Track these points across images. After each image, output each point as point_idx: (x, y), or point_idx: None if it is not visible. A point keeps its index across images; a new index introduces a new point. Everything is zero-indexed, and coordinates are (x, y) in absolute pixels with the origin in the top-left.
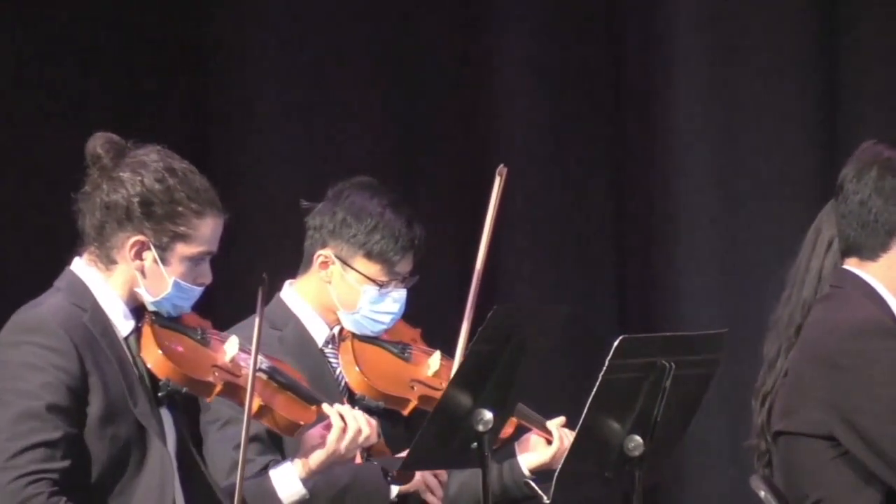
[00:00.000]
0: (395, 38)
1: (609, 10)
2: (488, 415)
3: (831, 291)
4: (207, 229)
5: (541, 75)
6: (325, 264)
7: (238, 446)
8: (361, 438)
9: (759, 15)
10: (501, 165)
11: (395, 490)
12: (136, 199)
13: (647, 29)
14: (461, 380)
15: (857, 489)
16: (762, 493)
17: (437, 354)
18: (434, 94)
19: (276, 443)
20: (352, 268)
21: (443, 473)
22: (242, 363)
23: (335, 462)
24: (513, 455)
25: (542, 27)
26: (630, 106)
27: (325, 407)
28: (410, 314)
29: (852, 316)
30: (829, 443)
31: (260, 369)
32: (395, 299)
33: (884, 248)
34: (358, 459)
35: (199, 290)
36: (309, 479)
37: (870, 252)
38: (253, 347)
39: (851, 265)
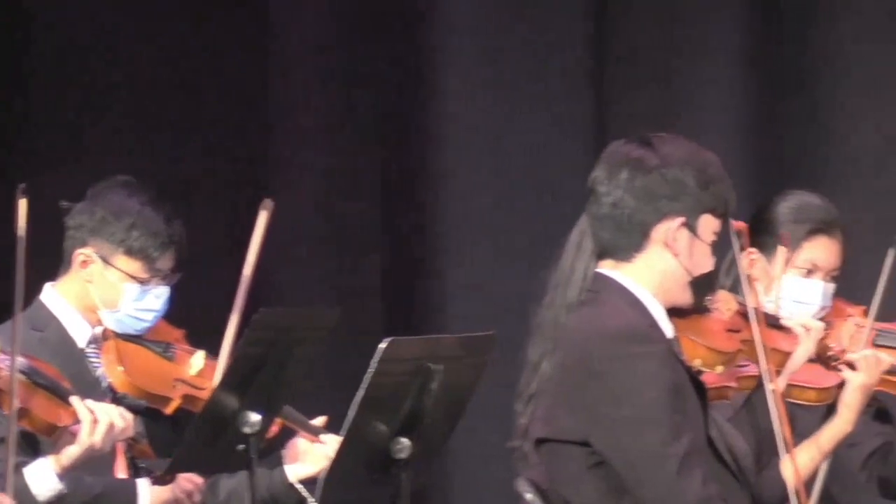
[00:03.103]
0: (180, 43)
1: (383, 20)
2: (255, 417)
3: (589, 296)
4: None
5: (316, 82)
6: (85, 263)
7: None
8: (116, 431)
9: (528, 23)
10: (267, 200)
11: (145, 502)
12: None
13: (417, 32)
14: (228, 382)
15: (614, 498)
16: (528, 496)
17: (201, 354)
18: (211, 98)
19: (31, 445)
20: (112, 266)
21: (196, 493)
22: (1, 364)
23: (91, 456)
24: (280, 463)
25: (322, 33)
26: (403, 104)
27: (73, 400)
28: (179, 316)
29: (608, 321)
30: (588, 450)
31: (18, 370)
32: (157, 296)
33: (638, 248)
34: (121, 461)
35: None
36: (65, 475)
37: (624, 253)
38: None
39: (607, 268)
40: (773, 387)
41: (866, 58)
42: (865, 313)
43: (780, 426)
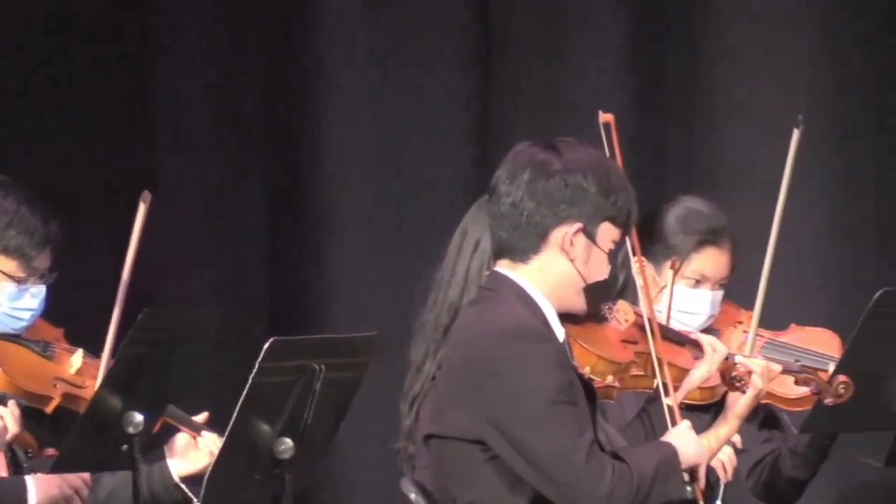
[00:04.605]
0: (62, 48)
1: (267, 13)
2: (138, 417)
3: (483, 294)
4: None
5: (200, 83)
6: None
7: None
8: (9, 436)
9: (418, 19)
10: (146, 192)
11: (33, 500)
12: None
13: (301, 29)
14: (111, 382)
15: (509, 492)
16: (412, 496)
17: (80, 353)
18: (93, 89)
19: None
20: None
21: (84, 488)
22: None
23: None
24: (163, 458)
25: (205, 28)
26: (287, 105)
27: None
28: (62, 315)
29: (503, 320)
30: (480, 447)
31: None
32: (34, 295)
33: (535, 250)
34: (1, 457)
35: None
36: None
37: (521, 254)
38: None
39: (503, 267)
40: (671, 402)
41: (749, 52)
42: None
43: None
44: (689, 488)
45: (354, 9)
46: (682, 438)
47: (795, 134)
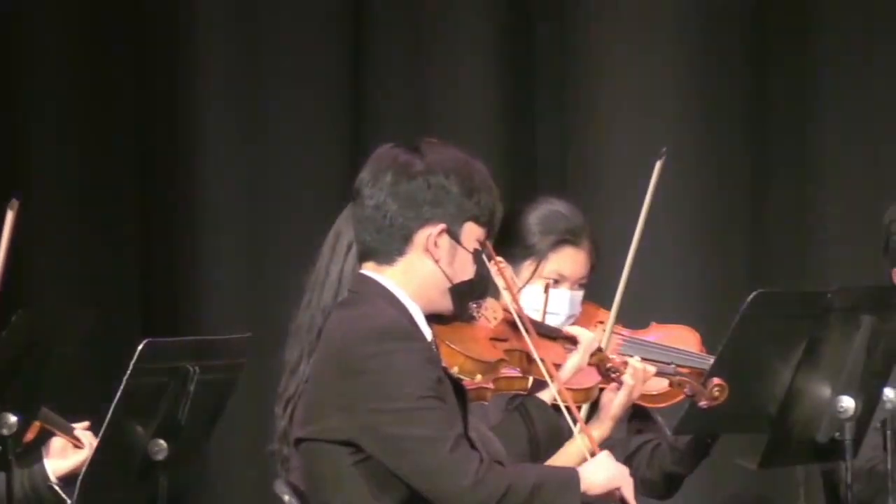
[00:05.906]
0: None
1: (134, 14)
2: (12, 419)
3: (350, 297)
4: None
5: (74, 74)
6: None
7: None
8: None
9: (288, 19)
10: (14, 200)
11: None
12: None
13: (173, 30)
14: None
15: (377, 495)
16: (286, 498)
17: None
18: None
19: None
20: None
21: None
22: None
23: None
24: (40, 459)
25: (75, 25)
26: (159, 106)
27: None
28: None
29: (370, 320)
30: (349, 449)
31: None
32: None
33: (400, 252)
34: None
35: None
36: None
37: (386, 256)
38: None
39: (369, 269)
40: (557, 394)
41: (618, 57)
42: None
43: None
44: None
45: (226, 11)
46: (592, 465)
47: (657, 165)
